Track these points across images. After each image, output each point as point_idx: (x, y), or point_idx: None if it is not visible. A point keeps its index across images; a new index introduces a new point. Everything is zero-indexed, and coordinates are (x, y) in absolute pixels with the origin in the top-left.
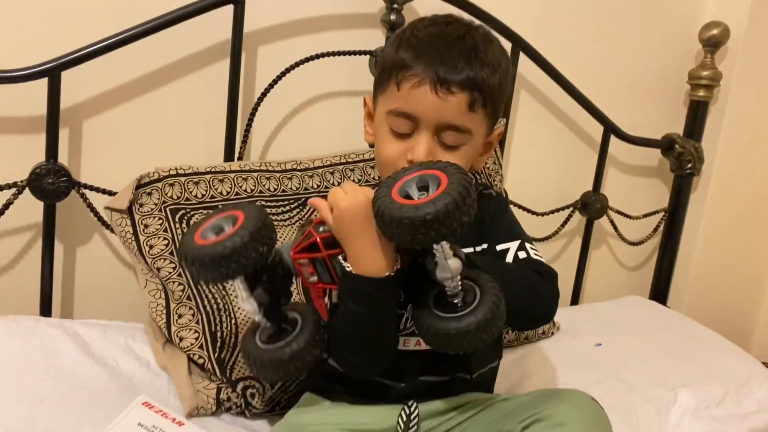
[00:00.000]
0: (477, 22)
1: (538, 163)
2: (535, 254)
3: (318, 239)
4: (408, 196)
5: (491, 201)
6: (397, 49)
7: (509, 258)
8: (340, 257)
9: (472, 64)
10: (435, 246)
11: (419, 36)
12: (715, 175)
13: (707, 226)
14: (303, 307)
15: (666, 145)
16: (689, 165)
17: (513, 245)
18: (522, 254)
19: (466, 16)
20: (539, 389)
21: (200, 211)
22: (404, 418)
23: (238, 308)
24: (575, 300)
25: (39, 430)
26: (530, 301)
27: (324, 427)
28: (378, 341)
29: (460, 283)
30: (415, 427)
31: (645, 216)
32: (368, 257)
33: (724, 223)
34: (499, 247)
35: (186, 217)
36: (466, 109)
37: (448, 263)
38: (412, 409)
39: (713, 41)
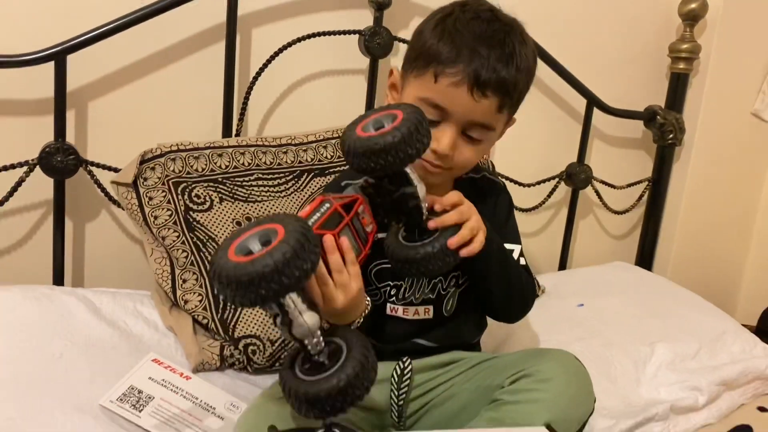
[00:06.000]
0: (514, 19)
1: (524, 135)
2: (525, 261)
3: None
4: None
5: (502, 194)
6: (438, 38)
7: None
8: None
9: (509, 69)
10: (283, 300)
11: (461, 31)
12: (697, 144)
13: (690, 194)
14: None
15: (648, 116)
16: (671, 135)
17: (516, 249)
18: (522, 260)
19: None
20: (525, 348)
21: (201, 183)
22: (398, 372)
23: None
24: (562, 267)
25: (58, 382)
26: (518, 303)
27: None
28: None
29: (321, 339)
30: (408, 380)
31: (629, 186)
32: None
33: (706, 191)
34: (505, 246)
35: (187, 190)
36: (496, 111)
37: (303, 318)
38: (406, 364)
39: (692, 15)
